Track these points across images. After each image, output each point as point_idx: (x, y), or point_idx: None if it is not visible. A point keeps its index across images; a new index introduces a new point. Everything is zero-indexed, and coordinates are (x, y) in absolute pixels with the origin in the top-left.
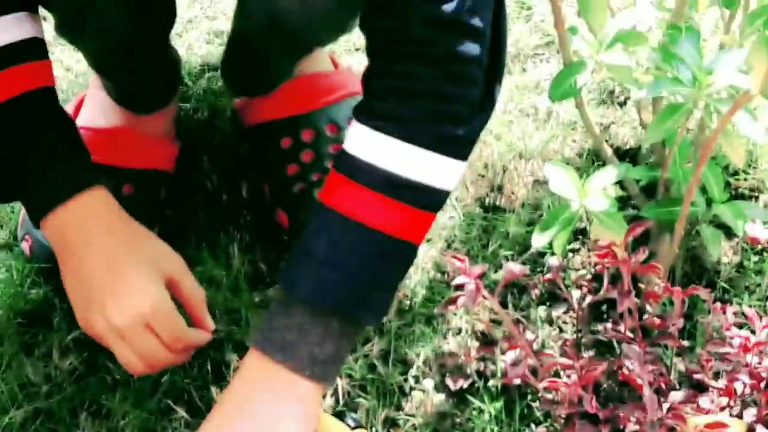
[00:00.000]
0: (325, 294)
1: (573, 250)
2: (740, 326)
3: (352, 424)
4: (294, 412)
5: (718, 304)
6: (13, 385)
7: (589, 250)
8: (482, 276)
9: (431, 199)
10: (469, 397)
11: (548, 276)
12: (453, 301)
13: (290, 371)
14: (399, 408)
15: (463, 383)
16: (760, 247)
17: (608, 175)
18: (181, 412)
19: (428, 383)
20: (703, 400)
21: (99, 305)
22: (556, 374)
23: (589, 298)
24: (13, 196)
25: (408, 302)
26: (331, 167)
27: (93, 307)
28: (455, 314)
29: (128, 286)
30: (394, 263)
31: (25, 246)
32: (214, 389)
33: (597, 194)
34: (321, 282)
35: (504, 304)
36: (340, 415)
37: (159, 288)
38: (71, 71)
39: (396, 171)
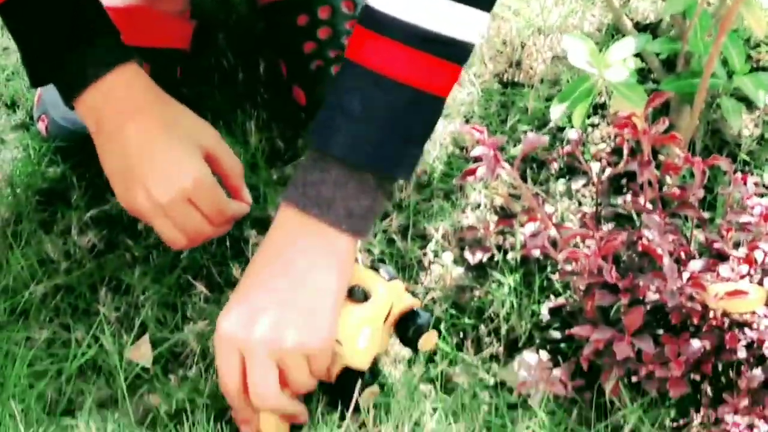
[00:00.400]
0: (360, 150)
1: (592, 125)
2: (761, 196)
3: (387, 276)
4: (330, 265)
5: (739, 175)
6: (33, 261)
7: (608, 124)
8: (502, 150)
9: (457, 50)
10: (489, 270)
11: (567, 149)
12: (471, 172)
13: (327, 225)
14: (418, 282)
15: (482, 256)
16: None
17: (628, 45)
18: (201, 288)
19: (447, 257)
20: (724, 269)
21: (140, 182)
22: (576, 246)
23: (608, 171)
24: (48, 77)
25: (426, 177)
26: (357, 23)
27: (134, 184)
28: (474, 188)
29: (169, 161)
30: (424, 117)
31: (41, 126)
32: (233, 265)
33: (617, 65)
34: (356, 138)
35: (523, 179)
36: (374, 268)
37: (199, 162)
38: None
39: (422, 24)
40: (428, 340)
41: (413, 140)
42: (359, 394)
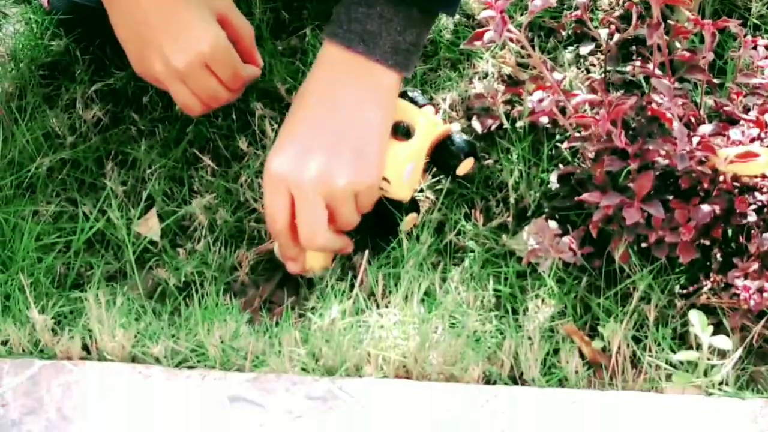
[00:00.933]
0: None
1: None
2: None
3: (422, 101)
4: (376, 102)
5: (749, 38)
6: (38, 135)
7: None
8: (510, 17)
9: None
10: (497, 139)
11: (575, 14)
12: (479, 35)
13: (372, 61)
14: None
15: (491, 125)
16: None
17: None
18: (207, 161)
19: (455, 127)
20: (734, 132)
21: (156, 47)
22: (584, 113)
23: (617, 36)
24: None
25: (432, 47)
26: None
27: (149, 50)
28: (481, 58)
29: (184, 26)
30: None
31: None
32: (239, 138)
33: None
34: None
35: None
36: (405, 94)
37: (215, 26)
38: None
39: None
40: (466, 166)
41: None
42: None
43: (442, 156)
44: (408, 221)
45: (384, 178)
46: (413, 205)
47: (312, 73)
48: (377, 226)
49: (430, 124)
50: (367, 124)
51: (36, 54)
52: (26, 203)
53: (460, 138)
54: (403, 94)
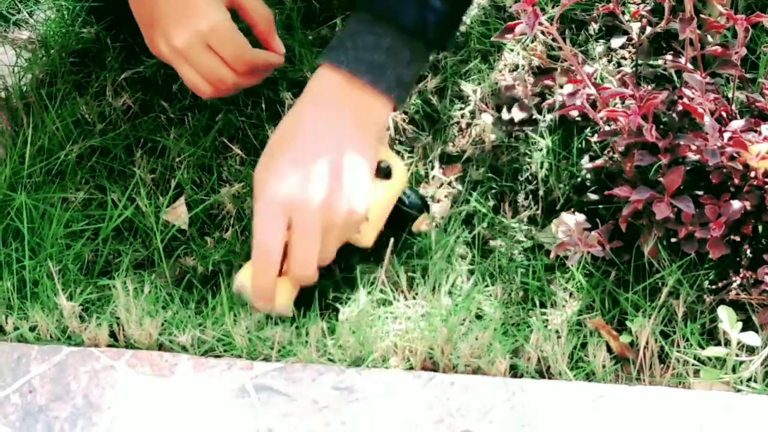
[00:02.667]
0: (425, 21)
1: None
2: None
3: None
4: (374, 132)
5: None
6: (68, 121)
7: None
8: (542, 11)
9: None
10: (527, 132)
11: (607, 6)
12: (511, 28)
13: (378, 92)
14: (455, 144)
15: (521, 115)
16: None
17: None
18: (236, 150)
19: (486, 118)
20: (766, 128)
21: (162, 28)
22: (615, 107)
23: (649, 30)
24: None
25: (464, 38)
26: None
27: (156, 31)
28: (512, 50)
29: (187, 7)
30: None
31: None
32: (268, 127)
33: None
34: (423, 8)
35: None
36: None
37: (218, 8)
38: None
39: None
40: (420, 222)
41: (461, 14)
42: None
43: (396, 214)
44: (419, 221)
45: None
46: (424, 206)
47: (310, 94)
48: (390, 226)
49: (404, 169)
50: (363, 156)
51: (67, 41)
52: (55, 190)
53: (413, 194)
54: None
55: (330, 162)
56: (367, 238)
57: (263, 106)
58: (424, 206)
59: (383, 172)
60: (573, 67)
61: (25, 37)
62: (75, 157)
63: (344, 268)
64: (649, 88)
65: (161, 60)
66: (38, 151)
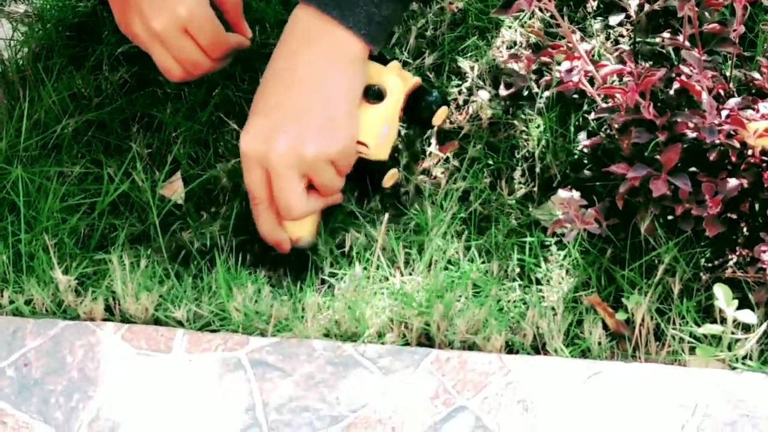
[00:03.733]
0: None
1: None
2: None
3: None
4: (344, 71)
5: None
6: (64, 95)
7: None
8: None
9: None
10: (524, 109)
11: None
12: (509, 3)
13: (344, 28)
14: (452, 121)
15: (518, 90)
16: None
17: None
18: (233, 125)
19: (483, 94)
20: (763, 106)
21: (137, 8)
22: (613, 84)
23: (647, 7)
24: None
25: (461, 14)
26: None
27: (130, 9)
28: (509, 27)
29: None
30: None
31: None
32: None
33: None
34: None
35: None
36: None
37: None
38: None
39: None
40: (441, 116)
41: None
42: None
43: (416, 109)
44: (389, 177)
45: (362, 143)
46: (443, 100)
47: (281, 39)
48: (359, 182)
49: (399, 83)
50: (334, 93)
51: (63, 15)
52: (51, 164)
53: (430, 89)
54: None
55: (295, 103)
56: (381, 154)
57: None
58: (443, 100)
59: (374, 95)
60: (571, 44)
61: (22, 11)
62: (71, 131)
63: (374, 186)
64: (647, 65)
65: (132, 41)
66: (34, 125)
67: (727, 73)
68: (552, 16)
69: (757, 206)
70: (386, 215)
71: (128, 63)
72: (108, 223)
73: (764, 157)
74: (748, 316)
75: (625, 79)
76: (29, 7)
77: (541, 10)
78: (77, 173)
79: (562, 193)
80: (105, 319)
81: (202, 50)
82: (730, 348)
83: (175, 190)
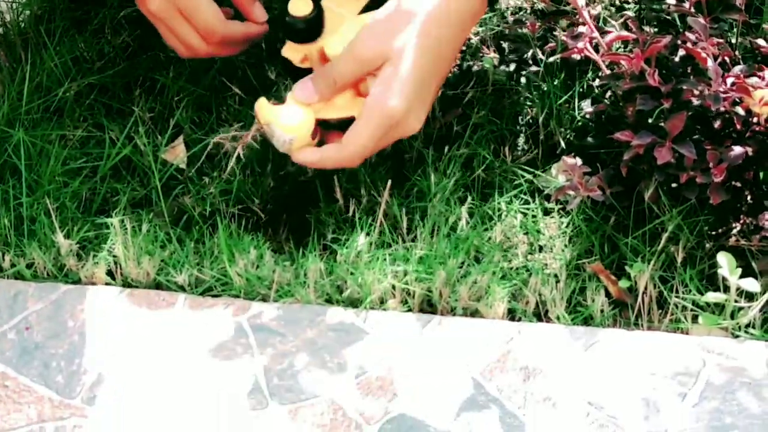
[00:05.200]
0: None
1: None
2: None
3: None
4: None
5: None
6: (66, 59)
7: None
8: None
9: None
10: (528, 75)
11: None
12: None
13: None
14: (456, 87)
15: (523, 55)
16: None
17: None
18: (235, 90)
19: (487, 61)
20: None
21: None
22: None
23: None
24: None
25: None
26: None
27: None
28: None
29: None
30: None
31: None
32: (268, 68)
33: None
34: None
35: None
36: None
37: None
38: None
39: None
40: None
41: None
42: None
43: None
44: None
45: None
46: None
47: None
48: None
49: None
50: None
51: None
52: (53, 127)
53: None
54: None
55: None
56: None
57: (263, 45)
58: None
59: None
60: (576, 10)
61: None
62: (73, 95)
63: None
64: (653, 32)
65: (144, 14)
66: (36, 88)
67: (733, 41)
68: None
69: (761, 174)
70: (389, 181)
71: (131, 26)
72: (110, 187)
73: None
74: (752, 284)
75: (630, 45)
76: None
77: None
78: (79, 137)
79: (566, 160)
80: (107, 284)
81: (199, 34)
82: (732, 316)
83: (177, 154)
